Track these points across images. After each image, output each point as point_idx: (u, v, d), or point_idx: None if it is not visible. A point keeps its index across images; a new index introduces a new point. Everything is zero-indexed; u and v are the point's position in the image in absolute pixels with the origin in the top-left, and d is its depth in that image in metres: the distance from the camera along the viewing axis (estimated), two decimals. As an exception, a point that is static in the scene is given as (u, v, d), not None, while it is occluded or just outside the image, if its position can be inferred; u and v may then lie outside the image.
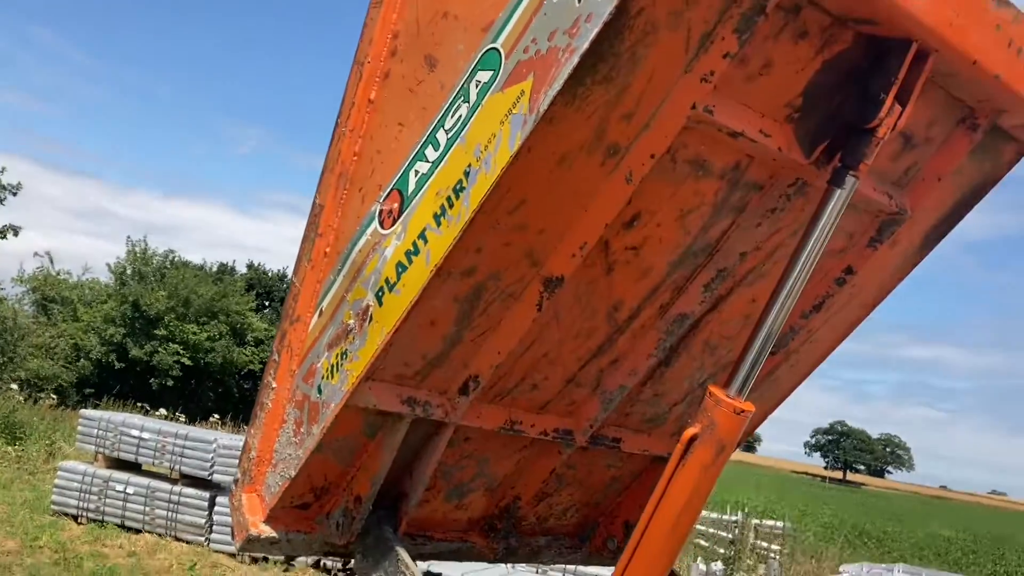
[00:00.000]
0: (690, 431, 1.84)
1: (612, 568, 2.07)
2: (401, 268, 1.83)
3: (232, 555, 11.73)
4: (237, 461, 2.08)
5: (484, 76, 1.75)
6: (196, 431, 13.51)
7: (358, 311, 1.91)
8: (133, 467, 12.85)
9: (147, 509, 12.29)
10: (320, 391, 1.96)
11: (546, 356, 2.07)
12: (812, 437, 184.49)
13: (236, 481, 1.99)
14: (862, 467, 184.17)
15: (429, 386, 1.96)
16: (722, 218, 2.01)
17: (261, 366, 42.09)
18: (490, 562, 2.31)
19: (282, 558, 11.33)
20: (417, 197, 1.82)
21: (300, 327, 2.08)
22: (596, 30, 1.52)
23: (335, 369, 1.94)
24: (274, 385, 2.06)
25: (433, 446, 1.97)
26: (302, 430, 1.95)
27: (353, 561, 1.95)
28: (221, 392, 40.34)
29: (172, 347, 37.09)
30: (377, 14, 2.05)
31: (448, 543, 2.09)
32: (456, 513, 2.13)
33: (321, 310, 2.03)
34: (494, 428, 2.02)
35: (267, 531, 1.92)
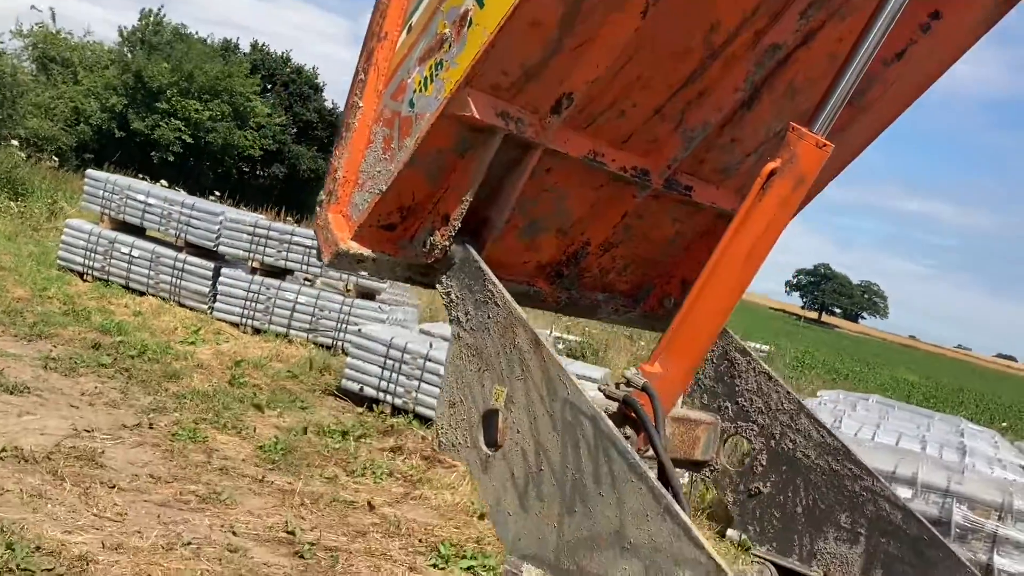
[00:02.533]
0: (771, 165, 1.84)
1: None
2: None
3: (235, 324, 12.08)
4: (323, 184, 2.06)
5: None
6: (203, 202, 13.55)
7: (455, 18, 1.84)
8: (138, 231, 12.96)
9: (151, 273, 12.52)
10: (412, 104, 1.92)
11: (639, 79, 2.02)
12: (794, 277, 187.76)
13: (320, 203, 1.98)
14: (838, 310, 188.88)
15: (523, 102, 1.93)
16: None
17: (262, 152, 41.80)
18: (552, 311, 2.36)
19: (282, 332, 11.67)
20: None
21: (387, 45, 2.01)
22: None
23: (429, 81, 1.88)
24: (360, 105, 2.01)
25: (520, 170, 1.96)
26: (392, 145, 1.92)
27: (438, 286, 1.97)
28: (220, 172, 40.24)
29: (174, 123, 36.64)
30: None
31: (516, 284, 2.12)
32: (527, 255, 2.15)
33: (411, 26, 1.95)
34: (579, 156, 2.00)
35: (355, 247, 1.93)
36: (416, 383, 9.47)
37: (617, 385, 1.93)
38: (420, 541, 6.12)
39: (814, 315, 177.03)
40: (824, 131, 1.88)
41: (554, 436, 1.70)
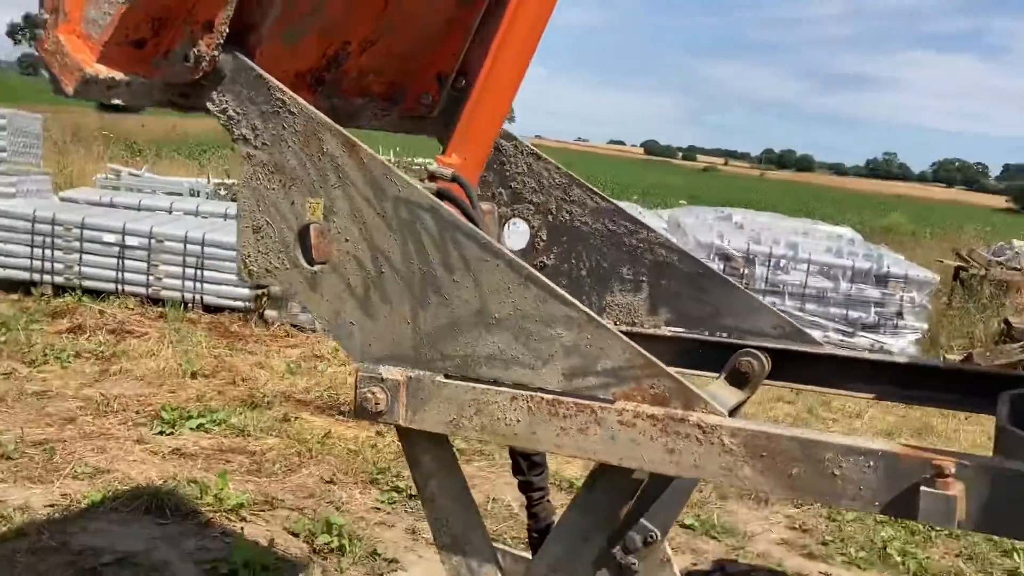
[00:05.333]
0: None
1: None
2: None
3: None
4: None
5: None
6: None
7: None
8: None
9: None
10: None
11: None
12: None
13: (43, 24, 1.63)
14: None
15: None
16: None
17: None
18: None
19: None
20: None
21: None
22: None
23: None
24: None
25: None
26: None
27: (209, 105, 1.75)
28: None
29: None
30: None
31: None
32: (289, 62, 1.98)
33: None
34: None
35: (104, 70, 1.64)
36: (76, 255, 8.54)
37: (422, 180, 1.90)
38: (137, 413, 5.76)
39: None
40: None
41: (391, 236, 1.66)
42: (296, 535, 4.33)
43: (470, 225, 1.59)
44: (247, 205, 1.76)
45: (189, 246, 8.43)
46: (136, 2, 1.66)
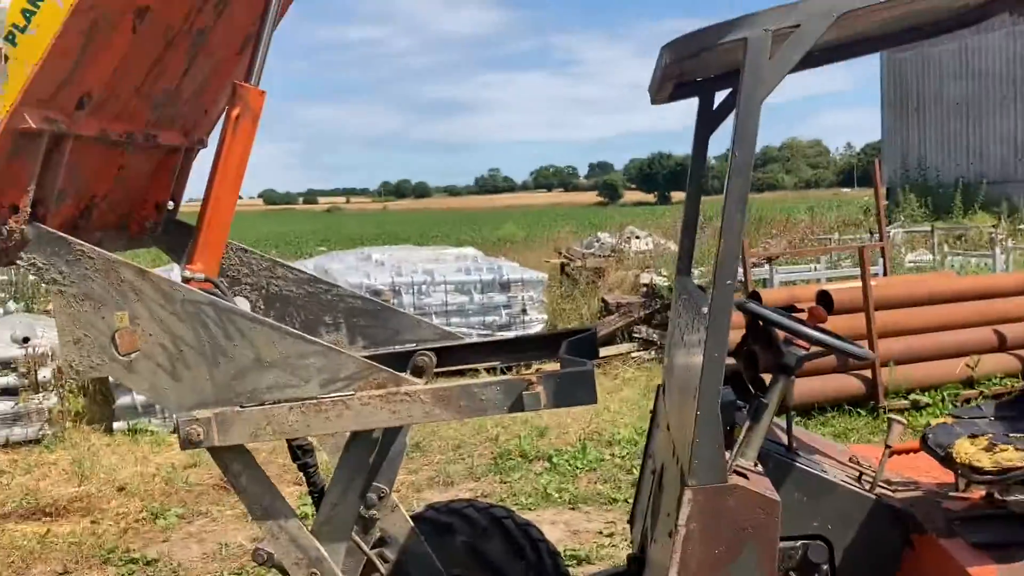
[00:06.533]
0: (235, 111, 2.69)
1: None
2: (28, 13, 2.24)
3: None
4: None
5: None
6: None
7: None
8: None
9: None
10: None
11: (126, 71, 2.65)
12: None
13: None
14: None
15: (58, 105, 2.45)
16: None
17: None
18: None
19: None
20: None
21: None
22: None
23: None
24: None
25: (59, 156, 2.49)
26: None
27: (20, 262, 2.41)
28: None
29: None
30: None
31: None
32: (58, 218, 2.69)
33: None
34: (92, 135, 2.60)
35: None
36: None
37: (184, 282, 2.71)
38: None
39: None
40: (258, 82, 2.81)
41: (183, 325, 2.46)
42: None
43: (239, 307, 2.49)
44: (65, 325, 2.48)
45: None
46: None
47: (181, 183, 3.27)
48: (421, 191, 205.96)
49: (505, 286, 11.37)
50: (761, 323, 2.77)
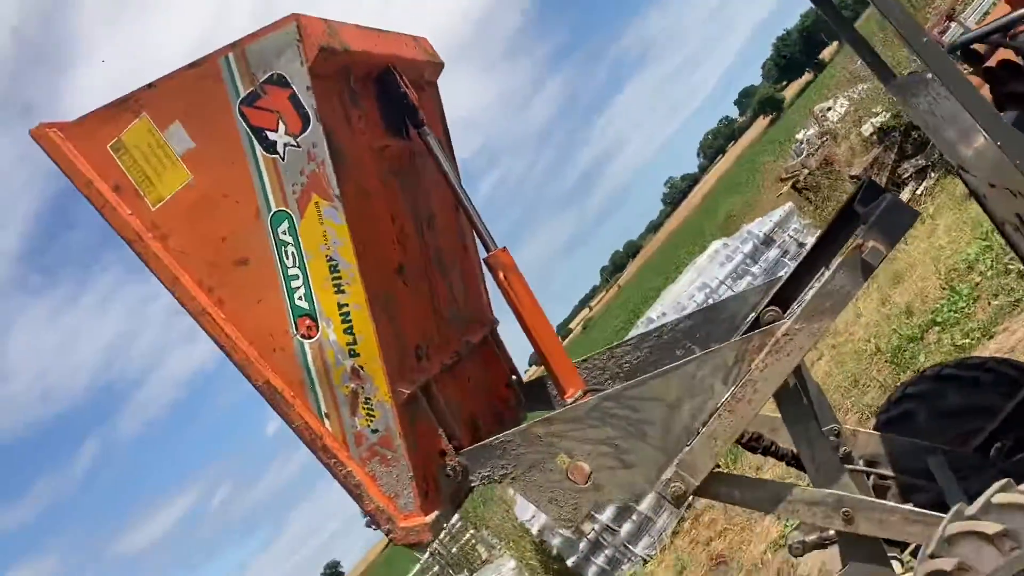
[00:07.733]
0: (501, 275, 3.22)
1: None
2: (347, 327, 2.87)
3: None
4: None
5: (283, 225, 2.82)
6: None
7: (347, 378, 2.88)
8: None
9: None
10: (373, 431, 2.89)
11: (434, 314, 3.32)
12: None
13: (389, 528, 2.86)
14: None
15: (408, 368, 3.07)
16: None
17: None
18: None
19: None
20: (311, 292, 2.83)
21: (328, 439, 2.92)
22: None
23: (368, 410, 2.87)
24: (347, 469, 2.89)
25: (434, 401, 3.11)
26: (389, 457, 2.87)
27: (473, 492, 3.02)
28: None
29: None
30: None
31: None
32: (465, 441, 3.26)
33: (326, 414, 2.89)
34: (438, 371, 3.22)
35: (431, 517, 2.84)
36: None
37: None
38: None
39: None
40: (493, 241, 3.34)
41: (601, 429, 2.86)
42: None
43: (615, 387, 2.91)
44: (534, 496, 2.97)
45: None
46: (416, 473, 2.93)
47: (506, 357, 3.82)
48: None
49: (767, 241, 11.32)
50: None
